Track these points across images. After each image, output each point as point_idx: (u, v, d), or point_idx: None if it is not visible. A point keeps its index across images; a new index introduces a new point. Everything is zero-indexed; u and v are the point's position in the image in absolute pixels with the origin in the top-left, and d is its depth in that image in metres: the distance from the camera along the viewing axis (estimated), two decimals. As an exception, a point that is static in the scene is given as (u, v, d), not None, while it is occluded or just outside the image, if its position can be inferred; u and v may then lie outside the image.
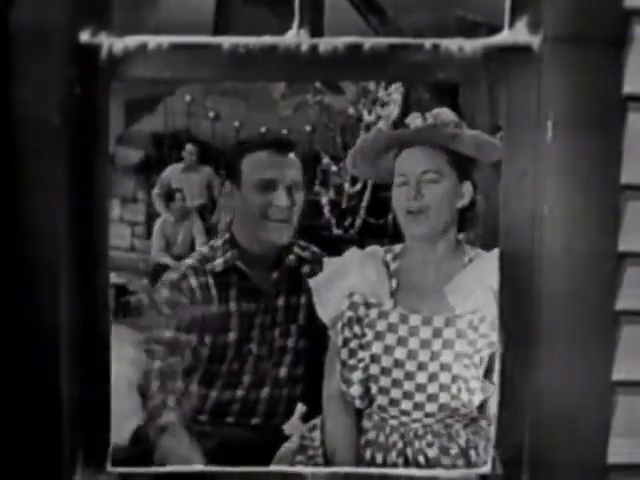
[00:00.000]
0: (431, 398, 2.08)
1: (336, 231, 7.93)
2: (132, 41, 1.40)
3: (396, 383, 2.10)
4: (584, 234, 1.40)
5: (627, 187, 1.40)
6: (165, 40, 1.40)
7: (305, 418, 2.55)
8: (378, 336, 2.13)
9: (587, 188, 1.40)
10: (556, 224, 1.40)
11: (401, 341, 2.11)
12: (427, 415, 2.10)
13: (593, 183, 1.39)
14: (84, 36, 1.39)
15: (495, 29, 1.43)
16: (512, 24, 1.39)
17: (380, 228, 7.49)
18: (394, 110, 1.95)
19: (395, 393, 2.10)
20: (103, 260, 1.46)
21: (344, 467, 2.12)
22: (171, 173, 8.77)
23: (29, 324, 1.43)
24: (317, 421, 2.28)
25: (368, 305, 2.17)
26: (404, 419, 2.11)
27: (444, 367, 2.08)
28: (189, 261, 2.44)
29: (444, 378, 2.07)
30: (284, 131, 9.37)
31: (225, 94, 9.98)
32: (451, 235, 2.17)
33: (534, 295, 1.42)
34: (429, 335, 2.09)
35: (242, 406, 2.45)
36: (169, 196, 8.20)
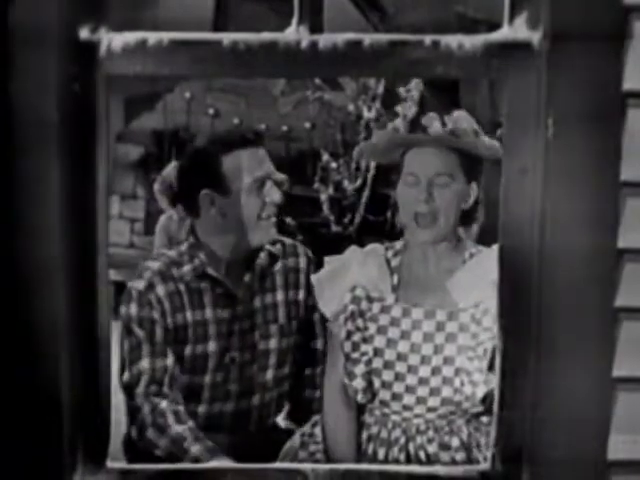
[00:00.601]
0: (434, 392, 2.09)
1: (335, 228, 7.92)
2: (131, 37, 1.40)
3: (399, 377, 2.10)
4: (584, 231, 1.40)
5: (627, 184, 1.40)
6: (165, 36, 1.39)
7: (291, 415, 2.55)
8: (381, 330, 2.14)
9: (587, 185, 1.40)
10: (556, 221, 1.40)
11: (404, 335, 2.12)
12: (429, 410, 2.11)
13: (593, 180, 1.39)
14: (83, 32, 1.39)
15: (495, 26, 1.42)
16: (511, 21, 1.39)
17: (379, 225, 7.49)
18: (412, 108, 1.92)
19: (398, 387, 2.10)
20: (102, 257, 1.45)
21: (344, 460, 2.13)
22: (172, 172, 8.75)
23: (28, 322, 1.42)
24: (318, 417, 2.29)
25: (370, 299, 2.17)
26: (406, 414, 2.12)
27: (447, 360, 2.09)
28: (155, 265, 2.34)
29: (447, 371, 2.08)
30: (284, 128, 9.36)
31: (225, 91, 9.96)
32: (454, 233, 2.17)
33: (534, 292, 1.42)
34: (432, 329, 2.10)
35: (234, 417, 2.39)
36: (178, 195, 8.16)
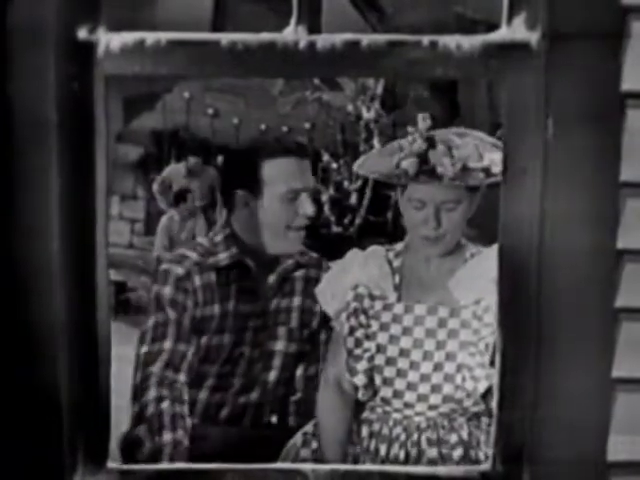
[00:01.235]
0: (435, 389, 2.11)
1: (335, 229, 7.92)
2: (129, 38, 1.39)
3: (401, 373, 2.12)
4: (584, 231, 1.40)
5: (626, 184, 1.39)
6: (163, 37, 1.39)
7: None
8: (383, 327, 2.16)
9: (587, 185, 1.39)
10: (556, 221, 1.40)
11: (406, 330, 2.15)
12: (430, 407, 2.12)
13: (592, 180, 1.39)
14: (81, 33, 1.39)
15: (493, 26, 1.42)
16: (510, 21, 1.39)
17: (380, 226, 7.50)
18: (421, 144, 1.91)
19: (399, 384, 2.12)
20: (102, 257, 1.45)
21: (333, 458, 2.13)
22: (173, 174, 8.76)
23: (28, 322, 1.42)
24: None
25: (373, 297, 2.20)
26: (407, 412, 2.13)
27: (449, 356, 2.11)
28: (192, 255, 2.38)
29: (449, 368, 2.11)
30: (283, 128, 9.37)
31: (224, 91, 9.97)
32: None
33: (533, 292, 1.42)
34: (434, 325, 2.13)
35: (231, 410, 2.41)
36: (181, 196, 8.20)
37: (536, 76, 1.38)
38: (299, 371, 2.49)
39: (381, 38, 1.38)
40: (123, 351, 2.30)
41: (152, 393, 2.19)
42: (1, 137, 1.38)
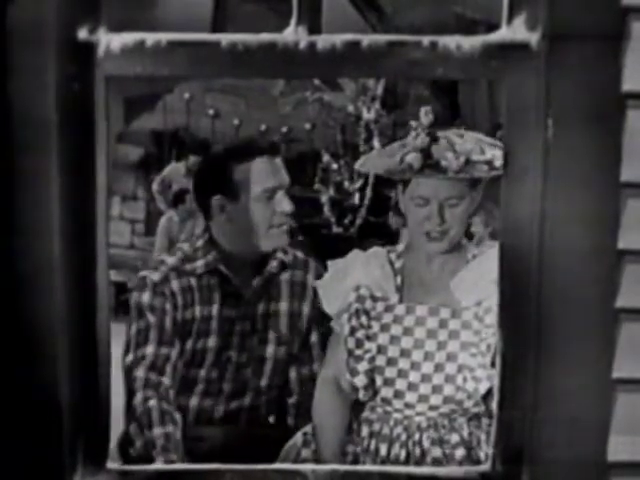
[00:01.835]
0: (436, 390, 2.11)
1: (336, 229, 7.92)
2: (130, 38, 1.39)
3: (402, 373, 2.12)
4: (584, 231, 1.40)
5: (627, 185, 1.39)
6: (163, 37, 1.39)
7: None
8: (384, 328, 2.17)
9: (587, 185, 1.39)
10: (556, 222, 1.40)
11: (407, 331, 2.15)
12: (431, 408, 2.12)
13: (593, 180, 1.39)
14: (82, 33, 1.39)
15: (493, 26, 1.42)
16: (510, 21, 1.39)
17: (380, 226, 7.49)
18: (424, 139, 1.92)
19: (400, 384, 2.12)
20: (102, 258, 1.45)
21: (330, 457, 2.13)
22: (173, 174, 8.76)
23: (28, 322, 1.42)
24: None
25: (374, 299, 2.20)
26: (408, 412, 2.13)
27: (450, 357, 2.12)
28: (170, 260, 2.38)
29: (450, 368, 2.11)
30: (284, 129, 9.36)
31: (224, 92, 9.97)
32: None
33: (534, 292, 1.42)
34: (436, 325, 2.13)
35: (224, 416, 2.41)
36: (179, 197, 8.19)
37: (536, 76, 1.38)
38: (293, 374, 2.49)
39: (381, 38, 1.38)
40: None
41: (139, 396, 2.21)
42: (1, 137, 1.38)
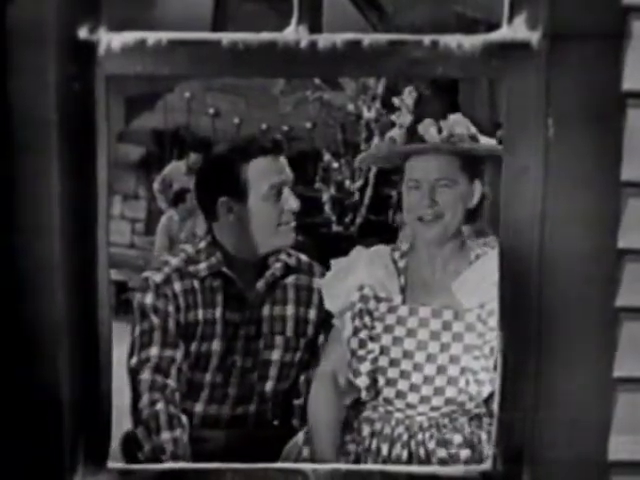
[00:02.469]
0: (438, 391, 2.11)
1: (336, 228, 7.92)
2: (130, 37, 1.39)
3: (404, 374, 2.12)
4: (584, 231, 1.40)
5: (627, 184, 1.39)
6: (163, 36, 1.39)
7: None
8: (387, 329, 2.16)
9: (587, 185, 1.39)
10: (556, 221, 1.40)
11: (410, 332, 2.15)
12: (432, 409, 2.12)
13: (593, 180, 1.39)
14: (82, 32, 1.39)
15: (494, 26, 1.42)
16: (511, 20, 1.39)
17: (381, 225, 7.49)
18: (407, 117, 1.95)
19: (402, 385, 2.12)
20: (103, 257, 1.45)
21: (324, 453, 2.13)
22: (174, 172, 8.77)
23: (28, 322, 1.42)
24: None
25: (378, 299, 2.20)
26: (409, 412, 2.13)
27: (453, 359, 2.11)
28: (174, 261, 2.37)
29: (452, 370, 2.11)
30: (284, 128, 9.37)
31: (225, 91, 9.98)
32: (459, 234, 2.18)
33: (534, 292, 1.42)
34: (439, 327, 2.13)
35: (230, 421, 2.41)
36: (180, 196, 8.19)
37: (537, 76, 1.38)
38: (301, 377, 2.48)
39: (382, 38, 1.38)
40: (124, 351, 2.30)
41: (145, 399, 2.20)
42: (1, 137, 1.38)
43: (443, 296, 2.17)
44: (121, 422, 2.16)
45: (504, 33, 1.40)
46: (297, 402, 2.48)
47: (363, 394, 2.16)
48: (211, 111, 10.00)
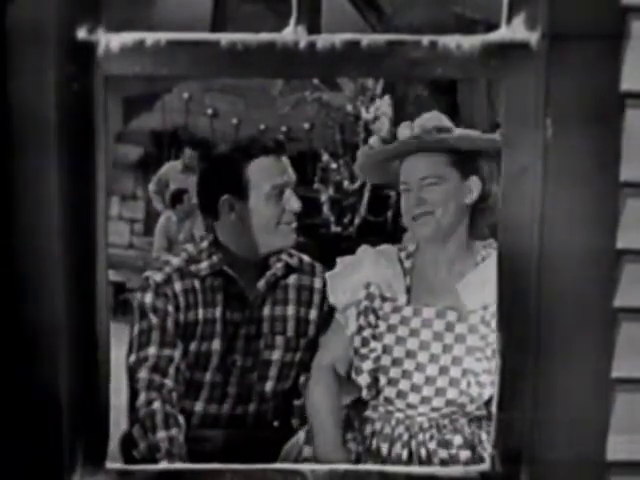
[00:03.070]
0: (439, 392, 2.11)
1: (334, 228, 7.92)
2: (129, 38, 1.39)
3: (406, 374, 2.13)
4: (583, 231, 1.40)
5: (626, 184, 1.39)
6: (162, 37, 1.39)
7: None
8: (391, 328, 2.17)
9: (586, 185, 1.39)
10: (555, 221, 1.40)
11: (413, 332, 2.16)
12: (433, 410, 2.12)
13: (592, 180, 1.39)
14: (81, 33, 1.39)
15: (493, 26, 1.42)
16: (509, 21, 1.39)
17: (380, 226, 7.50)
18: (384, 124, 1.98)
19: (404, 385, 2.13)
20: (102, 258, 1.45)
21: (326, 444, 2.14)
22: (169, 172, 8.77)
23: (27, 322, 1.42)
24: None
25: (384, 298, 2.21)
26: (410, 412, 2.13)
27: (455, 360, 2.12)
28: (175, 261, 2.37)
29: (454, 372, 2.11)
30: (283, 128, 9.38)
31: (223, 91, 9.98)
32: (461, 233, 2.19)
33: (533, 292, 1.42)
34: (442, 328, 2.13)
35: (229, 421, 2.41)
36: (177, 197, 8.20)
37: (536, 76, 1.38)
38: (302, 378, 2.48)
39: (381, 38, 1.38)
40: (122, 351, 2.30)
41: (142, 398, 2.20)
42: (1, 137, 1.38)
43: (447, 297, 2.17)
44: (119, 422, 2.16)
45: (503, 33, 1.40)
46: (297, 402, 2.48)
47: (364, 393, 2.16)
48: (209, 112, 10.00)
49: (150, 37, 1.39)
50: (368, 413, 2.20)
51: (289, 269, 2.44)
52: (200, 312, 2.34)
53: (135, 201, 10.26)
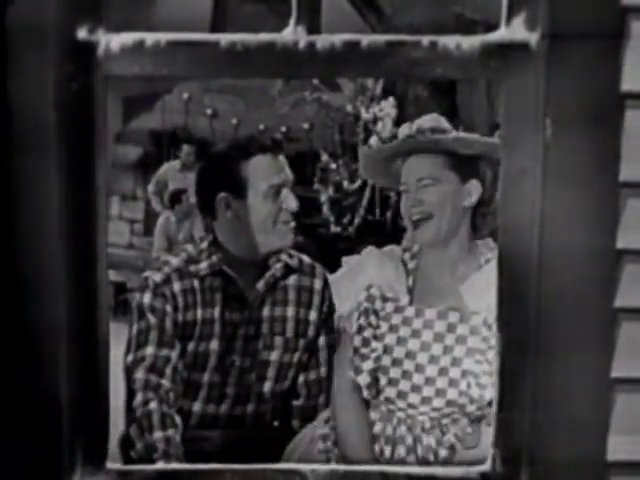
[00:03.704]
0: (439, 393, 2.11)
1: (334, 229, 7.92)
2: (129, 38, 1.39)
3: (406, 375, 2.13)
4: (583, 231, 1.40)
5: (626, 184, 1.39)
6: (162, 37, 1.39)
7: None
8: (392, 328, 2.17)
9: (586, 185, 1.39)
10: (555, 221, 1.40)
11: (415, 333, 2.15)
12: (434, 410, 2.12)
13: (592, 180, 1.39)
14: (81, 33, 1.39)
15: (492, 26, 1.42)
16: (509, 21, 1.39)
17: (379, 226, 7.49)
18: (387, 125, 2.01)
19: (404, 385, 2.13)
20: (102, 258, 1.45)
21: (359, 461, 2.12)
22: (168, 172, 8.78)
23: (27, 323, 1.42)
24: (328, 414, 2.29)
25: (385, 299, 2.21)
26: (411, 412, 2.13)
27: (455, 361, 2.11)
28: (175, 261, 2.37)
29: (454, 373, 2.11)
30: (282, 128, 9.37)
31: (223, 91, 9.98)
32: (462, 236, 2.19)
33: (533, 293, 1.42)
34: (443, 329, 2.13)
35: (227, 421, 2.41)
36: (175, 198, 8.20)
37: (535, 76, 1.38)
38: (300, 378, 2.48)
39: (380, 38, 1.38)
40: (121, 351, 2.30)
41: (139, 398, 2.20)
42: (1, 137, 1.38)
43: (450, 298, 2.17)
44: (119, 423, 2.16)
45: (503, 34, 1.40)
46: (296, 403, 2.48)
47: (364, 392, 2.16)
48: (209, 112, 10.00)
49: (150, 37, 1.39)
50: (368, 412, 2.20)
51: (289, 270, 2.44)
52: (199, 312, 2.34)
53: (135, 201, 10.26)
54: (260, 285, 2.39)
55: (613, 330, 1.42)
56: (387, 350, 2.15)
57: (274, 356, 2.41)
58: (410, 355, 2.13)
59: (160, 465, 2.04)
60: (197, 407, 2.38)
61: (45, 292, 1.42)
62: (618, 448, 1.43)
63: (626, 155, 1.38)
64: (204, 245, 2.41)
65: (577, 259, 1.40)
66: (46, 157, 1.39)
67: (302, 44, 1.39)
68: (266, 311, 2.40)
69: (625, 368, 1.42)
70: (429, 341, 2.13)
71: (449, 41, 1.39)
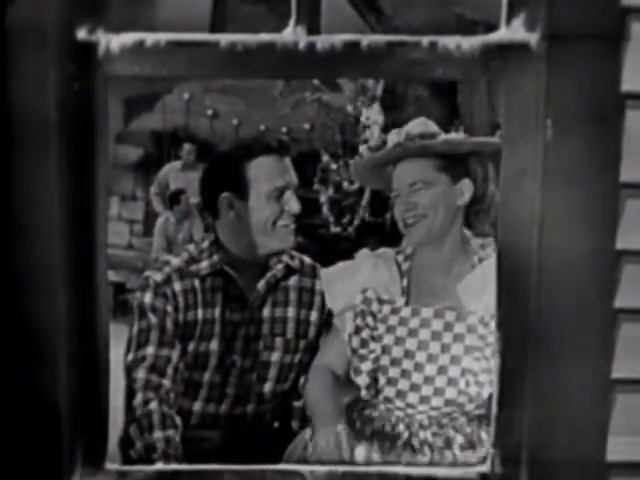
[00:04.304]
0: (438, 392, 2.12)
1: (334, 229, 7.92)
2: (129, 38, 1.40)
3: (405, 374, 2.13)
4: (583, 232, 1.40)
5: (626, 185, 1.40)
6: (162, 37, 1.39)
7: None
8: (390, 329, 2.18)
9: (586, 186, 1.40)
10: (555, 222, 1.40)
11: (412, 332, 2.16)
12: (432, 409, 2.13)
13: (592, 181, 1.39)
14: (81, 33, 1.39)
15: (492, 27, 1.42)
16: (509, 22, 1.39)
17: (379, 226, 7.50)
18: (374, 133, 2.03)
19: (403, 384, 2.13)
20: (101, 258, 1.45)
21: (327, 433, 2.10)
22: (169, 172, 8.78)
23: (27, 323, 1.42)
24: None
25: (381, 301, 2.22)
26: (410, 411, 2.14)
27: (454, 360, 2.12)
28: (175, 261, 2.37)
29: (453, 371, 2.12)
30: (283, 129, 9.37)
31: (223, 92, 9.98)
32: (455, 235, 2.21)
33: (532, 293, 1.42)
34: (440, 328, 2.14)
35: (227, 421, 2.41)
36: (174, 198, 8.20)
37: (535, 77, 1.38)
38: (301, 379, 2.47)
39: (381, 39, 1.39)
40: (121, 352, 2.30)
41: (139, 398, 2.20)
42: (1, 137, 1.38)
43: (446, 297, 2.18)
44: (118, 423, 2.16)
45: (503, 34, 1.40)
46: (297, 404, 2.48)
47: (363, 393, 2.17)
48: (210, 112, 10.00)
49: (150, 38, 1.39)
50: (368, 412, 2.20)
51: (290, 270, 2.44)
52: (199, 312, 2.34)
53: (135, 202, 10.25)
54: (261, 285, 2.39)
55: (613, 331, 1.42)
56: (385, 350, 2.16)
57: (275, 357, 2.41)
58: (409, 354, 2.14)
59: (159, 465, 2.03)
60: (197, 407, 2.39)
61: (45, 292, 1.42)
62: (618, 448, 1.43)
63: (626, 156, 1.38)
64: (205, 244, 2.41)
65: (577, 259, 1.40)
66: (47, 157, 1.40)
67: (302, 44, 1.39)
68: (266, 312, 2.41)
69: (625, 369, 1.42)
70: (426, 340, 2.14)
71: (449, 41, 1.39)
